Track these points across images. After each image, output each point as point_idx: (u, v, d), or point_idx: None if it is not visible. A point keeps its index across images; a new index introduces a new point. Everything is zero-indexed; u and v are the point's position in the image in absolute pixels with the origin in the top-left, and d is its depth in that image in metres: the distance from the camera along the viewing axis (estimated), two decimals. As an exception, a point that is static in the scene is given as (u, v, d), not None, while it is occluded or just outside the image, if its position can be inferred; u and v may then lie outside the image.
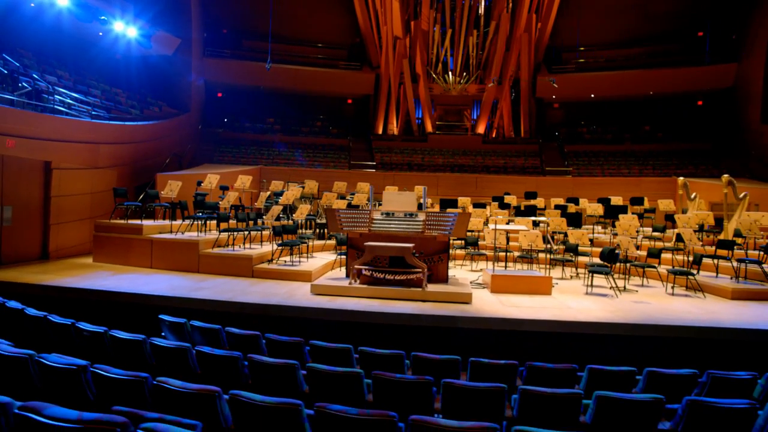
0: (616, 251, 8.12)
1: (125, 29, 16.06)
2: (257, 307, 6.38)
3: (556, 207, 13.90)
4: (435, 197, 17.26)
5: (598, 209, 13.24)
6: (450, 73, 22.53)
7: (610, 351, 5.77)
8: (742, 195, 11.36)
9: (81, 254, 10.33)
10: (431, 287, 7.10)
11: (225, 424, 2.98)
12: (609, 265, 8.35)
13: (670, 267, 8.92)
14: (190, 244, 8.81)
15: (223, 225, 9.38)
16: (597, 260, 10.05)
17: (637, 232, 11.11)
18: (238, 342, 4.90)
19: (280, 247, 8.89)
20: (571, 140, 22.33)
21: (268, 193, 13.48)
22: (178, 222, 9.96)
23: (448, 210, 13.37)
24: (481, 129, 22.57)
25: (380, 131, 23.13)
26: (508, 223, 8.98)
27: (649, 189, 16.96)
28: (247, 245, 9.67)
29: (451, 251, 11.61)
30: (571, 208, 13.99)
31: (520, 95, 22.73)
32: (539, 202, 14.69)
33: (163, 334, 5.50)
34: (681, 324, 5.94)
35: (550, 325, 5.89)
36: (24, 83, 10.58)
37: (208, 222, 9.99)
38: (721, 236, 10.90)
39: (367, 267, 7.18)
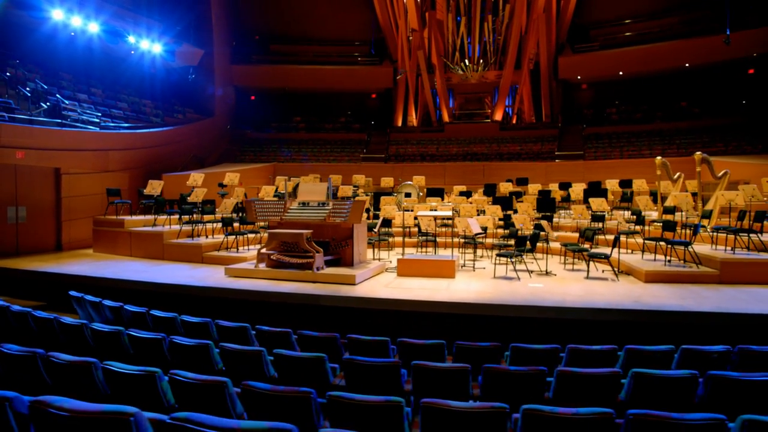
0: (519, 233, 8.13)
1: (151, 46, 18.09)
2: (169, 287, 7.42)
3: (540, 192, 13.65)
4: (443, 186, 17.44)
5: (581, 193, 12.84)
6: (467, 60, 22.36)
7: (424, 327, 6.07)
8: (721, 173, 10.56)
9: (90, 246, 12.12)
10: (333, 270, 7.70)
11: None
12: (530, 247, 8.38)
13: (593, 250, 8.68)
14: (156, 236, 10.14)
15: (186, 218, 10.61)
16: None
17: (596, 214, 10.76)
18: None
19: (228, 237, 9.92)
20: (597, 122, 21.27)
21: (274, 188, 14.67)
22: (163, 217, 11.38)
23: (429, 199, 13.71)
24: (498, 116, 22.19)
25: (399, 124, 23.59)
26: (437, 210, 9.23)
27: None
28: (210, 236, 10.81)
29: (407, 239, 12.03)
30: (555, 193, 13.67)
31: (540, 78, 21.99)
32: (537, 187, 14.47)
33: (75, 306, 6.70)
34: (527, 304, 6.06)
35: (396, 304, 6.29)
36: (42, 103, 12.59)
37: (194, 216, 11.28)
38: (696, 220, 10.25)
39: (273, 252, 7.95)
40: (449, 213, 8.73)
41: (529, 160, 19.25)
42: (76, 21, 15.70)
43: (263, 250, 7.95)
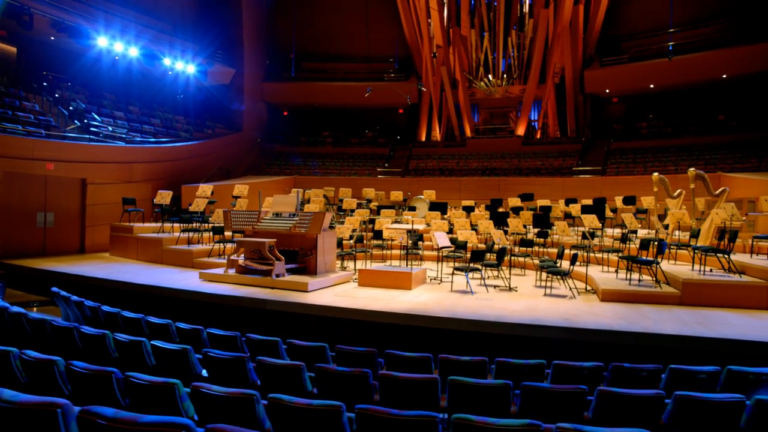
0: (483, 250, 8.15)
1: (185, 67, 19.58)
2: (142, 287, 8.14)
3: (541, 208, 13.45)
4: (456, 201, 17.51)
5: (579, 210, 12.52)
6: (490, 76, 22.32)
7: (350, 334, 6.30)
8: (719, 191, 10.02)
9: (108, 250, 13.28)
10: (293, 277, 8.11)
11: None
12: (495, 261, 8.38)
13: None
14: (157, 242, 11.03)
15: (189, 226, 11.43)
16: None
17: (594, 232, 10.47)
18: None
19: (217, 244, 10.62)
20: (626, 136, 20.53)
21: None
22: (169, 224, 12.32)
23: (431, 213, 13.87)
24: (521, 131, 21.92)
25: (423, 138, 23.85)
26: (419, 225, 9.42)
27: (680, 187, 15.01)
28: (208, 243, 11.57)
29: (397, 251, 12.25)
30: (556, 210, 13.40)
31: (565, 93, 21.53)
32: (546, 203, 14.30)
33: (56, 301, 7.51)
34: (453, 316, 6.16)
35: (333, 311, 6.57)
36: (76, 120, 14.06)
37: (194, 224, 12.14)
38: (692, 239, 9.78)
39: (243, 258, 8.48)
40: (408, 226, 8.89)
41: (548, 175, 18.87)
42: (119, 46, 17.33)
43: (233, 257, 8.51)
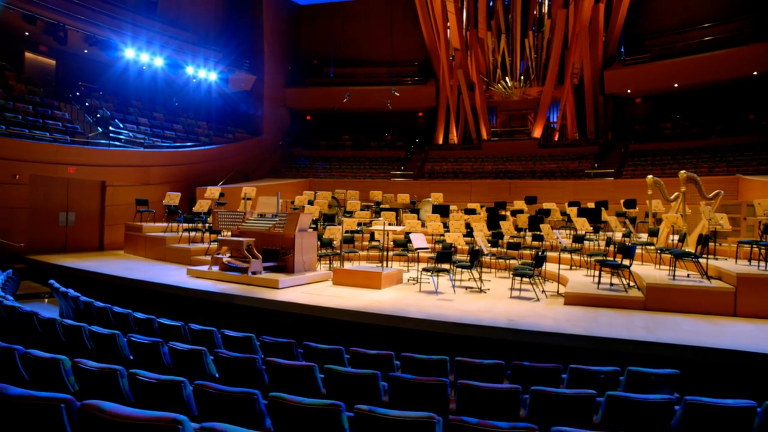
0: (450, 250, 8.24)
1: (207, 75, 20.55)
2: (131, 281, 8.76)
3: (539, 212, 13.29)
4: (465, 204, 17.51)
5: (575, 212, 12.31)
6: (507, 78, 22.11)
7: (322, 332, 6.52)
8: (712, 194, 9.66)
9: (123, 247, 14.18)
10: (270, 275, 8.50)
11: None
12: (465, 263, 8.47)
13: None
14: (161, 240, 11.73)
15: (191, 226, 12.08)
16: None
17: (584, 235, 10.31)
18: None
19: (213, 243, 11.19)
20: (647, 138, 19.83)
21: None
22: (175, 224, 13.05)
23: (430, 216, 14.00)
24: (537, 133, 21.58)
25: (440, 141, 23.89)
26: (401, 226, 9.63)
27: (694, 189, 14.40)
28: (208, 242, 12.18)
29: (389, 253, 12.43)
30: (555, 213, 13.21)
31: (584, 94, 21.03)
32: (552, 206, 14.18)
33: (53, 293, 8.22)
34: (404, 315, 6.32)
35: (292, 307, 6.88)
36: (99, 127, 15.12)
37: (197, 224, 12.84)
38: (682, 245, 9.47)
39: (227, 257, 8.95)
40: (389, 228, 9.09)
41: (562, 178, 18.52)
42: (144, 57, 18.45)
43: (217, 255, 9.00)
